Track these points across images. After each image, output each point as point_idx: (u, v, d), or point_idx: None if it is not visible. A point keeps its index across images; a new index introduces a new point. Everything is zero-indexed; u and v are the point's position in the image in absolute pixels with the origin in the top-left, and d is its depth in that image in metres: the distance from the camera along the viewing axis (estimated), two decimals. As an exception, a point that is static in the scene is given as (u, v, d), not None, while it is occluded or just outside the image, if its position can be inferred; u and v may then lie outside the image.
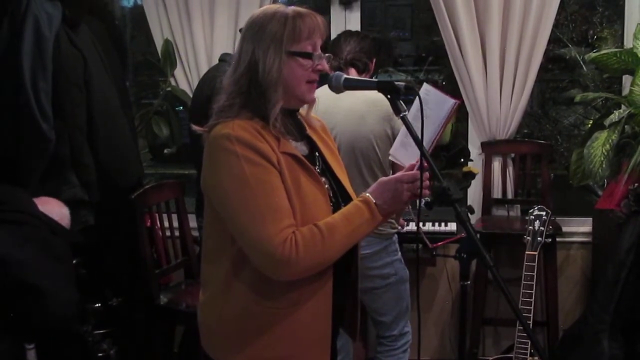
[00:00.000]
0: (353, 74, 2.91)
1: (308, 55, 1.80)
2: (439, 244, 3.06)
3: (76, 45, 3.03)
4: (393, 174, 1.94)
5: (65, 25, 3.00)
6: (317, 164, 1.92)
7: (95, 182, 3.04)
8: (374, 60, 3.07)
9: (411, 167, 1.88)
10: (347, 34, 3.09)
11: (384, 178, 1.87)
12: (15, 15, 2.84)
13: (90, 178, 3.03)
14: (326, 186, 1.88)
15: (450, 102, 1.90)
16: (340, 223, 1.77)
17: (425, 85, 1.95)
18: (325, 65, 1.84)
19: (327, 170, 1.94)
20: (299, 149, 1.87)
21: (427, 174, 1.83)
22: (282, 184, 1.75)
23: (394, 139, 2.85)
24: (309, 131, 1.95)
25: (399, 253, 3.04)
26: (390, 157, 2.00)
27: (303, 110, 1.94)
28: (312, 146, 1.94)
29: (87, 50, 3.09)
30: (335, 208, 1.85)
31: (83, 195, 2.99)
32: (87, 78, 3.04)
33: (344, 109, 2.83)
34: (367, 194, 1.84)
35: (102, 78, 3.17)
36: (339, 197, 1.91)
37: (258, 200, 1.70)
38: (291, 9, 1.81)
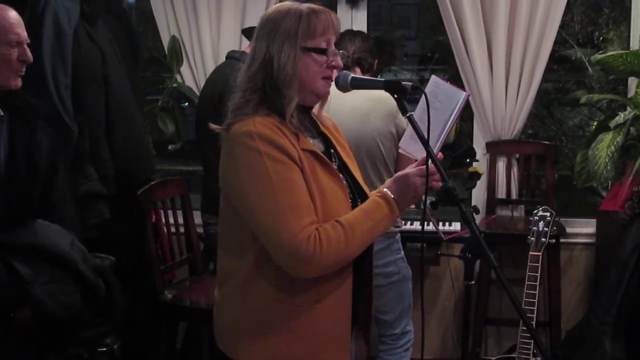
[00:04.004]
0: (358, 73, 2.92)
1: (322, 51, 1.80)
2: (453, 235, 3.06)
3: (94, 40, 3.05)
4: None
5: (83, 21, 3.01)
6: (334, 160, 1.92)
7: (113, 176, 3.05)
8: (376, 61, 3.09)
9: (423, 162, 1.86)
10: (350, 33, 3.09)
11: (400, 173, 1.87)
12: (34, 9, 2.85)
13: (108, 171, 3.05)
14: (344, 182, 1.88)
15: (460, 94, 1.87)
16: (361, 219, 1.78)
17: (433, 78, 1.92)
18: (339, 62, 1.84)
19: (343, 167, 1.95)
20: (316, 145, 1.88)
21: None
22: (304, 180, 1.75)
23: (398, 136, 2.87)
24: (322, 129, 1.96)
25: (402, 252, 3.04)
26: (400, 150, 1.98)
27: (315, 109, 1.94)
28: (328, 143, 1.95)
29: (105, 46, 3.11)
30: (353, 204, 1.85)
31: (101, 188, 3.01)
32: (105, 73, 3.06)
33: (348, 108, 2.83)
34: (385, 189, 1.84)
35: (118, 73, 3.19)
36: (356, 194, 1.92)
37: (281, 197, 1.70)
38: (305, 6, 1.82)
